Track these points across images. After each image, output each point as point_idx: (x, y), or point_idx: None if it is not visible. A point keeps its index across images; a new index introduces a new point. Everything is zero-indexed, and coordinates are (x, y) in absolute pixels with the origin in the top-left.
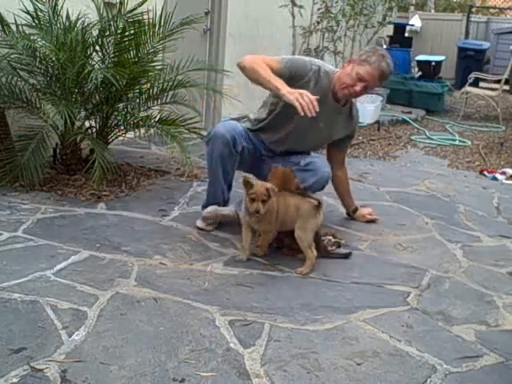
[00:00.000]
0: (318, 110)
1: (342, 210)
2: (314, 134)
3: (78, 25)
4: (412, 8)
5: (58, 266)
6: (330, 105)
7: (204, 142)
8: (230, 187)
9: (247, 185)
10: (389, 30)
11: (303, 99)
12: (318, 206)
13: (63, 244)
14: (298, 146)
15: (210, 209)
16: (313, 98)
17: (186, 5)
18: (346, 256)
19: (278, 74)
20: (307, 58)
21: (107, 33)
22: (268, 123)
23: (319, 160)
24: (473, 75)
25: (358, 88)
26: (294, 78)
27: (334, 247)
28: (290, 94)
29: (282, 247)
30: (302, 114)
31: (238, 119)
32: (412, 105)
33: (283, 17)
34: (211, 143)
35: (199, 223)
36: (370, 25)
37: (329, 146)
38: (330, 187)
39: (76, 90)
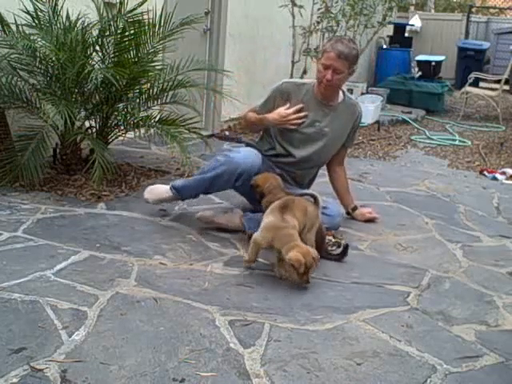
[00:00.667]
0: (302, 115)
1: (342, 210)
2: (327, 141)
3: (78, 25)
4: (412, 8)
5: (58, 266)
6: (323, 109)
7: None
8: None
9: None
10: (389, 30)
11: (287, 118)
12: (316, 204)
13: (63, 244)
14: (318, 154)
15: (208, 214)
16: (289, 111)
17: (186, 5)
18: (344, 253)
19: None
20: (275, 86)
21: (107, 33)
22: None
23: (335, 206)
24: (473, 75)
25: (328, 76)
26: (280, 105)
27: (334, 247)
28: (275, 120)
29: None
30: (293, 127)
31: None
32: (412, 105)
33: (283, 17)
34: (224, 163)
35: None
36: (370, 25)
37: None
38: (329, 188)
39: (76, 90)
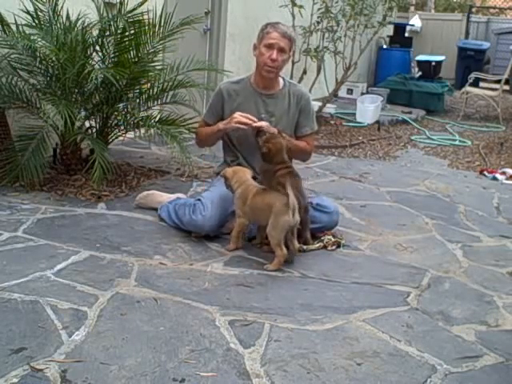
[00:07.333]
0: (252, 119)
1: (342, 211)
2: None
3: (78, 25)
4: (412, 8)
5: (58, 266)
6: (263, 99)
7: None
8: None
9: None
10: (389, 30)
11: (237, 119)
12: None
13: (63, 244)
14: None
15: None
16: (242, 114)
17: (185, 5)
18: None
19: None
20: (214, 92)
21: (107, 33)
22: (238, 154)
23: (331, 203)
24: (473, 75)
25: (273, 55)
26: (221, 108)
27: (334, 247)
28: (227, 124)
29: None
30: (246, 127)
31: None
32: (412, 105)
33: (283, 17)
34: (187, 224)
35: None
36: (370, 25)
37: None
38: (328, 188)
39: (76, 90)
